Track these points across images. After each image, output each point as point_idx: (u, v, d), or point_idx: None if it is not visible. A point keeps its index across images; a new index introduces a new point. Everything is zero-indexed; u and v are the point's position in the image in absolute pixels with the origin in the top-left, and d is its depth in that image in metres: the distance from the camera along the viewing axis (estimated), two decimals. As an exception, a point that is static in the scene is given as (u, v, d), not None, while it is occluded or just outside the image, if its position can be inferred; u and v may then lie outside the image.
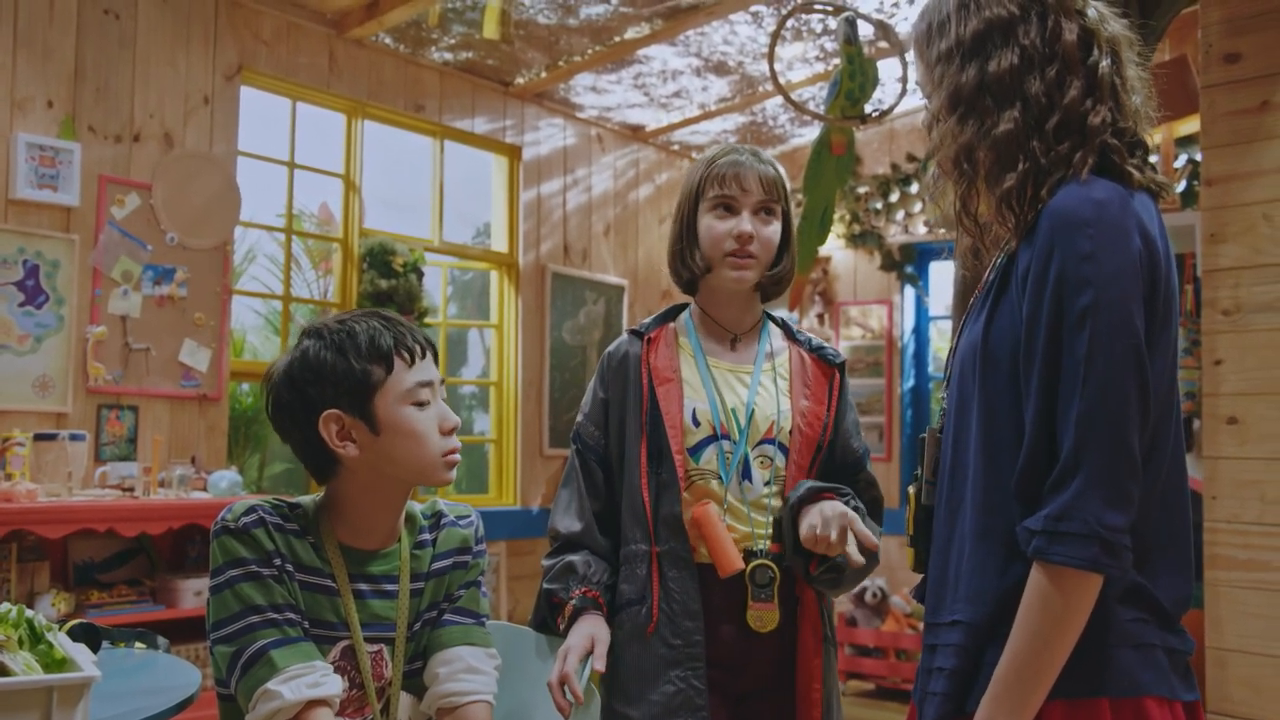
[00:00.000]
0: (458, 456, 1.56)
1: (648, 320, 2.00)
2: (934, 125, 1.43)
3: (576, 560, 1.85)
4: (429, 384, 1.53)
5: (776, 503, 1.84)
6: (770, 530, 1.82)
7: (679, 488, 1.82)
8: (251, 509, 1.49)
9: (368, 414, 1.48)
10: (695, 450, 1.85)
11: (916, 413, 6.06)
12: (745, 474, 1.84)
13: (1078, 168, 1.31)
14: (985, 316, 1.37)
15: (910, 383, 6.06)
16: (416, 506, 1.65)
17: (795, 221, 4.12)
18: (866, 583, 5.65)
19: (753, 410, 1.86)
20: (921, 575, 1.49)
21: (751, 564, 1.79)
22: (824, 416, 1.88)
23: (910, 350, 6.08)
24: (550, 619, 1.86)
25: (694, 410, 1.85)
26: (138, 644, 2.19)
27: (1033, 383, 1.27)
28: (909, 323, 6.09)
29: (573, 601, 1.80)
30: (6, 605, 1.51)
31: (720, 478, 1.83)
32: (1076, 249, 1.25)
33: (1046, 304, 1.26)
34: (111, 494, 3.63)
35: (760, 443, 1.85)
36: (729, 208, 1.88)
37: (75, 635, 1.78)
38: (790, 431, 1.86)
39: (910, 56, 1.49)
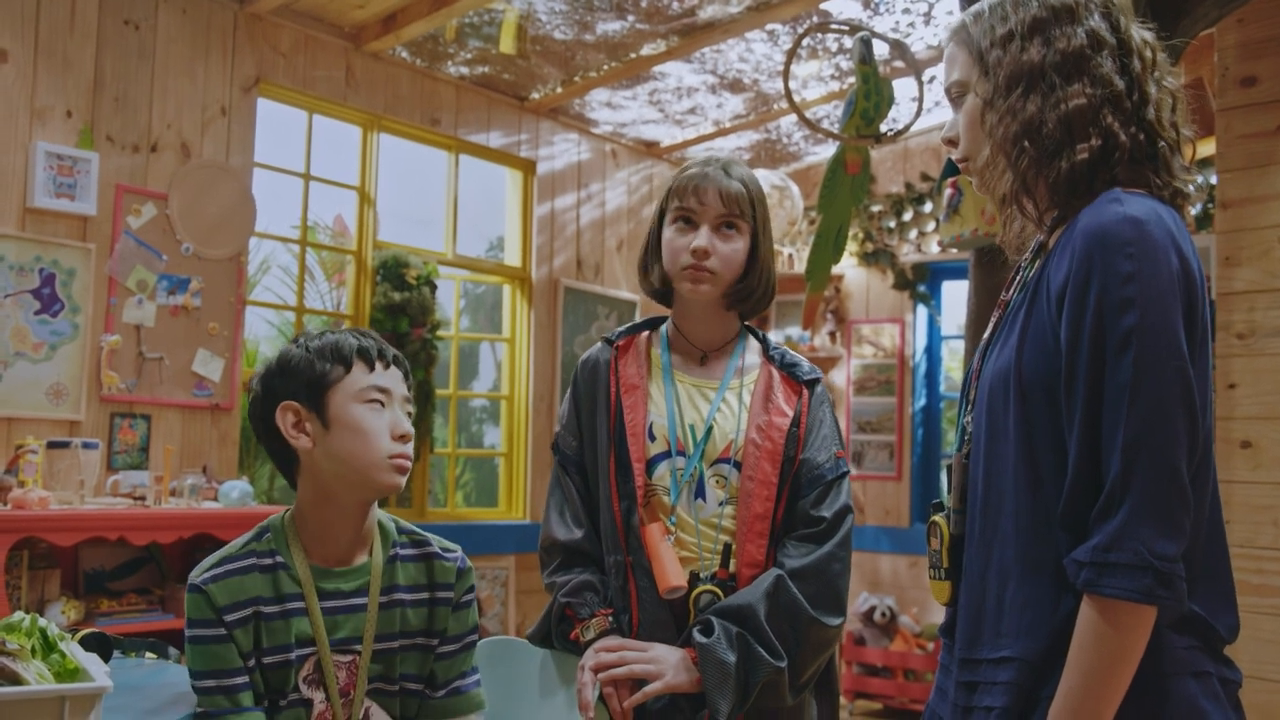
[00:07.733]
0: (406, 463, 1.59)
1: (621, 328, 1.99)
2: (986, 110, 1.36)
3: (595, 580, 1.83)
4: (386, 390, 1.58)
5: (729, 524, 1.80)
6: (719, 553, 1.79)
7: (637, 499, 1.80)
8: (218, 562, 1.54)
9: (321, 408, 1.55)
10: (650, 464, 1.83)
11: (928, 432, 6.05)
12: (700, 493, 1.81)
13: (1146, 162, 1.29)
14: (1017, 339, 1.32)
15: (922, 402, 6.05)
16: (389, 521, 1.67)
17: (809, 238, 4.11)
18: (875, 601, 5.63)
19: (710, 427, 1.83)
20: (949, 610, 1.44)
21: (697, 589, 1.76)
22: (787, 429, 1.82)
23: (922, 369, 6.07)
24: (560, 632, 1.84)
25: (651, 424, 1.84)
26: (148, 654, 2.19)
27: (1076, 408, 1.23)
28: (921, 342, 6.08)
29: (594, 621, 1.78)
30: (20, 614, 1.52)
31: (670, 493, 1.81)
32: (1117, 269, 1.21)
33: (1088, 327, 1.22)
34: (123, 502, 3.64)
35: (716, 462, 1.82)
36: (688, 221, 1.85)
37: (88, 645, 1.79)
38: (745, 447, 1.82)
39: (949, 50, 1.43)
